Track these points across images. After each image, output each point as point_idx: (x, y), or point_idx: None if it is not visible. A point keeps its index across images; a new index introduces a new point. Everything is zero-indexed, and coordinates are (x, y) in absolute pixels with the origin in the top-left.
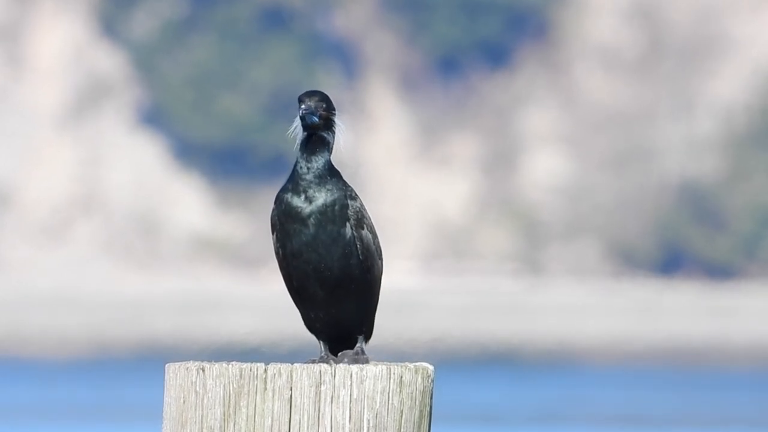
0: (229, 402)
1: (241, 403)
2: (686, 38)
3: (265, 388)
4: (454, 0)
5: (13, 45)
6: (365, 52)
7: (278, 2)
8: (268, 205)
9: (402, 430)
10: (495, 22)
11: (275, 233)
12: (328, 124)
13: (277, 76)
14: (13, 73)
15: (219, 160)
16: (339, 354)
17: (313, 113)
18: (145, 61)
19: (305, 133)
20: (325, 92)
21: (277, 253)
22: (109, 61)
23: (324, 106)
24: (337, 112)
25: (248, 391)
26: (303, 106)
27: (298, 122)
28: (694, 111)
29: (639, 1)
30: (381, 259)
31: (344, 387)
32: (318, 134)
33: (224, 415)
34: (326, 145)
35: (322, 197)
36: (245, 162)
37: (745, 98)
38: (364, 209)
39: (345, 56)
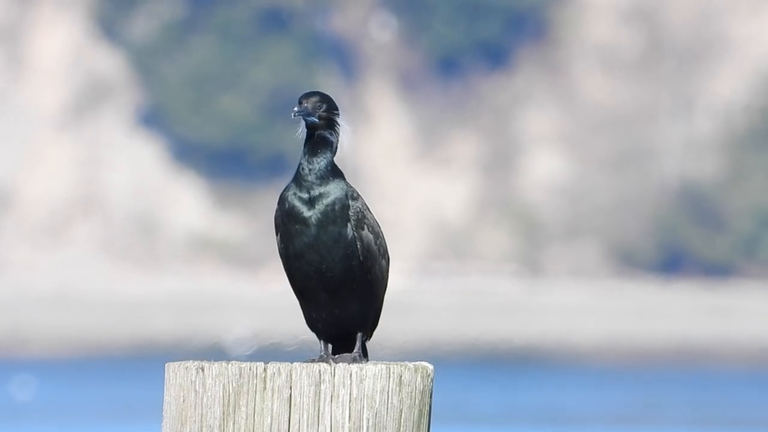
0: (229, 401)
1: (241, 402)
2: (686, 38)
3: (265, 387)
4: (454, 0)
5: (13, 46)
6: (365, 53)
7: (277, 3)
8: (267, 206)
9: (401, 429)
10: (495, 23)
11: (279, 234)
12: (330, 124)
13: (277, 77)
14: (13, 74)
15: (218, 161)
16: (337, 357)
17: (309, 114)
18: (145, 62)
19: (308, 133)
20: (326, 93)
21: (281, 254)
22: (108, 62)
23: (324, 106)
24: (339, 112)
25: (248, 390)
26: (297, 109)
27: (302, 123)
28: (693, 111)
29: (639, 1)
30: (385, 259)
31: (344, 386)
32: (320, 135)
33: (224, 414)
34: (329, 146)
35: (323, 198)
36: (244, 162)
37: (745, 98)
38: (366, 209)
39: (344, 56)
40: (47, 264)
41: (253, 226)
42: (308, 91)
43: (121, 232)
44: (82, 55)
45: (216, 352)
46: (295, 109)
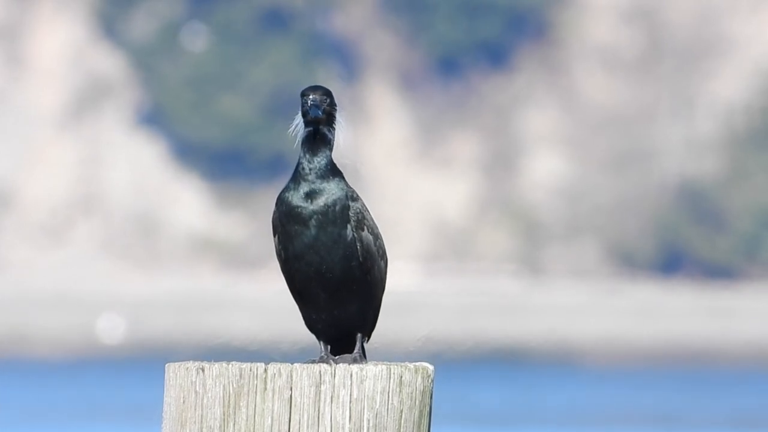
0: (229, 402)
1: (241, 403)
2: (686, 38)
3: (265, 388)
4: (454, 0)
5: (13, 46)
6: (365, 53)
7: (278, 2)
8: (267, 206)
9: (402, 429)
10: (495, 23)
11: (277, 235)
12: (330, 120)
13: (277, 77)
14: (13, 73)
15: (218, 161)
16: (337, 357)
17: (318, 106)
18: (145, 62)
19: (307, 130)
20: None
21: (279, 256)
22: (108, 62)
23: (328, 101)
24: (338, 109)
25: (248, 391)
26: (311, 97)
27: (299, 120)
28: (694, 111)
29: (639, 1)
30: (384, 260)
31: (344, 387)
32: (319, 131)
33: (224, 415)
34: (328, 143)
35: (323, 198)
36: (244, 162)
37: (745, 98)
38: (366, 210)
39: (345, 56)
40: (47, 264)
41: (253, 226)
42: (312, 85)
43: (122, 231)
44: (82, 55)
45: (220, 353)
46: (311, 96)
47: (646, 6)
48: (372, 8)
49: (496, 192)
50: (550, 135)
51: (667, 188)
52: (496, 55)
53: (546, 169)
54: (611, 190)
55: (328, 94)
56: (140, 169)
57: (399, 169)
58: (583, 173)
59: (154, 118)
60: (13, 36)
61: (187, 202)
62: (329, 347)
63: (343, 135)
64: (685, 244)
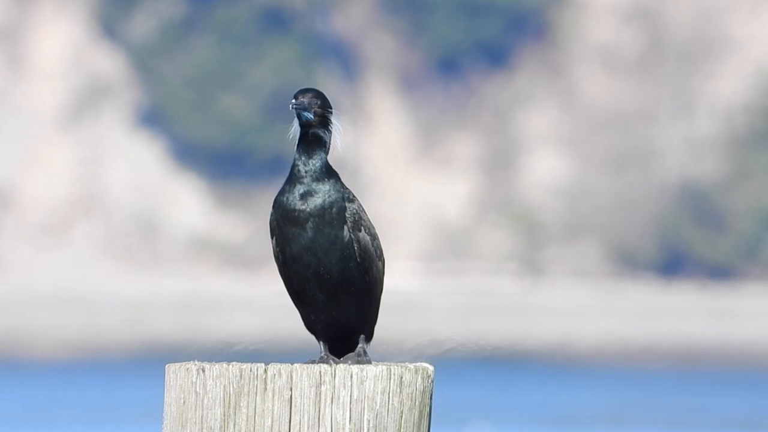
0: (229, 402)
1: (241, 404)
2: (686, 39)
3: (265, 389)
4: (454, 1)
5: (13, 46)
6: (365, 53)
7: (277, 3)
8: (267, 206)
9: (402, 430)
10: (495, 23)
11: (274, 238)
12: (324, 122)
13: (277, 77)
14: (13, 74)
15: (218, 161)
16: (342, 357)
17: (305, 108)
18: (145, 62)
19: (302, 132)
20: (322, 90)
21: (276, 258)
22: (108, 62)
23: (318, 103)
24: (333, 111)
25: (248, 391)
26: (295, 102)
27: (296, 122)
28: (694, 111)
29: (639, 1)
30: (381, 260)
31: (344, 387)
32: (314, 133)
33: (224, 416)
34: (323, 145)
35: (319, 200)
36: (244, 163)
37: (746, 98)
38: (363, 211)
39: (344, 57)
40: (47, 264)
41: (253, 226)
42: (304, 87)
43: (122, 232)
44: (82, 55)
45: (219, 353)
46: (293, 101)
47: (647, 6)
48: (371, 9)
49: (495, 192)
50: (550, 135)
51: (668, 189)
52: (496, 56)
53: (546, 169)
54: (611, 191)
55: (318, 96)
56: (140, 170)
57: (399, 170)
58: (583, 173)
59: (153, 118)
60: (13, 36)
61: (187, 203)
62: (329, 347)
63: (339, 137)
64: (685, 244)
